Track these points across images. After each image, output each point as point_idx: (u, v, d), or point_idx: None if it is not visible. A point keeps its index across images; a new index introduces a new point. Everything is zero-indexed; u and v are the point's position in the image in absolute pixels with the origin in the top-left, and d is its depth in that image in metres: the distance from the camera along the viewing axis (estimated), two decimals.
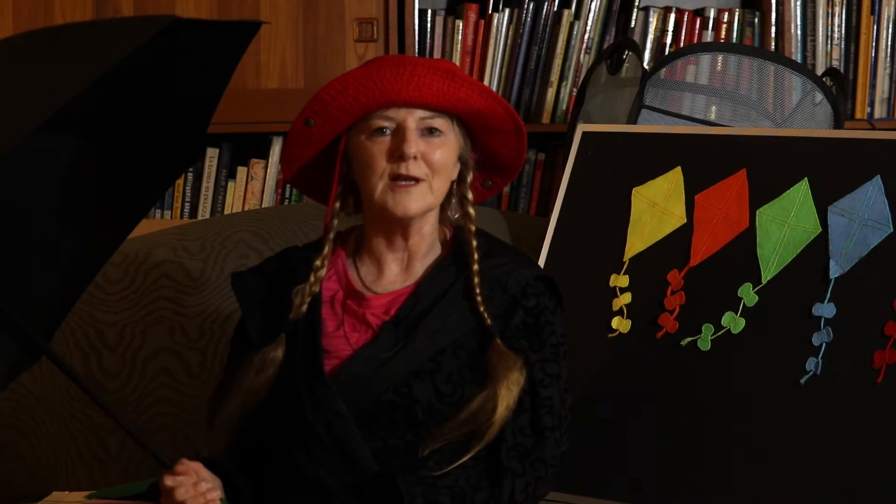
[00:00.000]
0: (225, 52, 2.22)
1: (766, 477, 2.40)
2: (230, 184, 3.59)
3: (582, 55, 3.55)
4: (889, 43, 3.59)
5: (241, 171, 3.59)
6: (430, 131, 2.27)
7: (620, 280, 2.65)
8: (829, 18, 3.58)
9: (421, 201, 2.25)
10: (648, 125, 2.95)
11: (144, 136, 2.33)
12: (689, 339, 2.55)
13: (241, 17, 3.43)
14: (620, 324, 2.62)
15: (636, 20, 3.57)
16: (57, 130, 2.26)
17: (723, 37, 3.57)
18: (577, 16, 3.55)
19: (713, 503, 2.44)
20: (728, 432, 2.46)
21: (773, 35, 3.59)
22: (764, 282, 2.52)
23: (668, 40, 3.57)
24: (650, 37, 3.57)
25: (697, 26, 3.58)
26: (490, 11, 3.56)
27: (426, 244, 2.32)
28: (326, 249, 2.31)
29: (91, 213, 2.35)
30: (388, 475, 2.17)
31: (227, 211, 3.59)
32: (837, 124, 3.02)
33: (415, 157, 2.23)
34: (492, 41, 3.55)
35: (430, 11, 3.55)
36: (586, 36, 3.55)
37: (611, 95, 3.16)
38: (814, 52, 3.58)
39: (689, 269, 2.60)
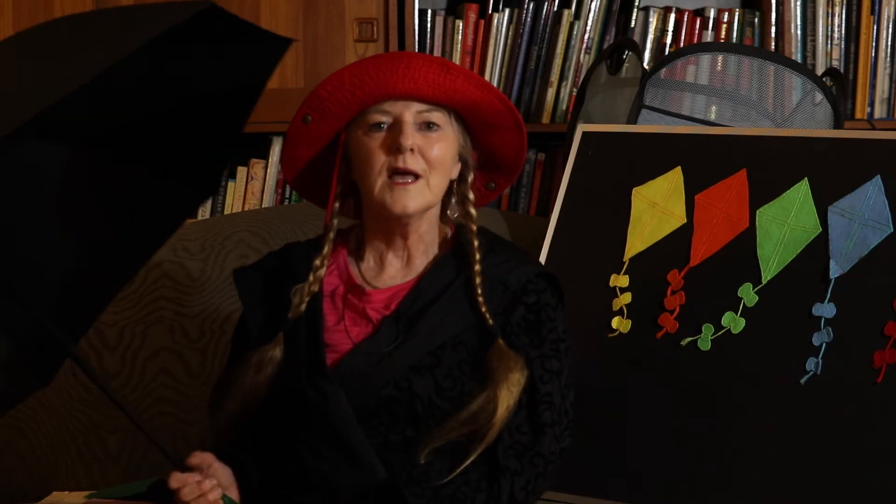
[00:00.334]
0: (253, 69, 2.23)
1: (766, 477, 2.40)
2: (230, 184, 3.59)
3: (582, 55, 3.55)
4: (889, 43, 3.59)
5: (241, 171, 3.59)
6: (428, 126, 2.27)
7: (620, 280, 2.65)
8: (829, 18, 3.58)
9: (419, 199, 2.25)
10: (648, 125, 2.95)
11: (171, 159, 2.34)
12: (689, 339, 2.55)
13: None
14: (620, 324, 2.62)
15: (636, 20, 3.57)
16: (89, 145, 2.28)
17: (723, 37, 3.57)
18: (577, 16, 3.55)
19: (713, 503, 2.44)
20: (728, 432, 2.46)
21: (773, 35, 3.59)
22: (764, 282, 2.52)
23: (668, 40, 3.57)
24: (650, 37, 3.57)
25: (697, 26, 3.58)
26: (490, 11, 3.56)
27: (425, 243, 2.32)
28: (326, 249, 2.31)
29: (113, 231, 2.37)
30: (392, 484, 2.17)
31: (227, 211, 3.59)
32: (837, 124, 3.02)
33: (412, 150, 2.23)
34: (492, 41, 3.55)
35: (430, 11, 3.55)
36: (586, 36, 3.55)
37: (611, 95, 3.16)
38: (814, 52, 3.58)
39: (689, 269, 2.60)
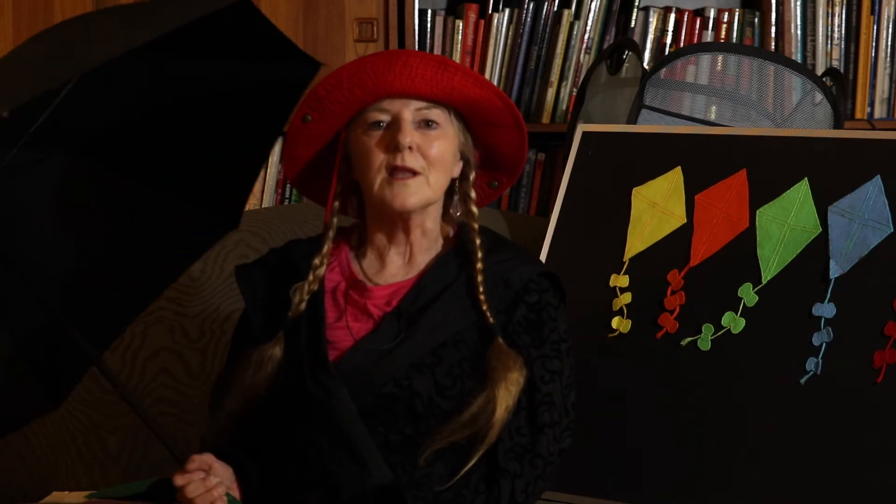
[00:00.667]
0: (281, 90, 2.25)
1: (766, 477, 2.40)
2: None
3: (582, 55, 3.55)
4: (889, 43, 3.59)
5: None
6: (427, 123, 2.27)
7: (620, 280, 2.65)
8: (829, 18, 3.58)
9: (419, 194, 2.25)
10: (648, 125, 2.95)
11: (199, 186, 2.38)
12: (689, 339, 2.55)
13: None
14: (620, 324, 2.62)
15: (636, 20, 3.57)
16: (122, 173, 2.32)
17: (723, 37, 3.57)
18: (577, 16, 3.55)
19: (713, 503, 2.44)
20: (728, 432, 2.46)
21: (773, 35, 3.59)
22: (764, 282, 2.52)
23: (668, 40, 3.57)
24: (650, 37, 3.57)
25: (697, 26, 3.58)
26: (490, 11, 3.55)
27: (427, 240, 2.32)
28: (326, 248, 2.31)
29: (137, 253, 2.40)
30: (394, 485, 2.17)
31: None
32: (837, 124, 3.02)
33: (410, 148, 2.23)
34: (492, 41, 3.55)
35: (430, 11, 3.55)
36: (586, 36, 3.55)
37: (611, 95, 3.16)
38: (814, 52, 3.58)
39: (689, 269, 2.60)
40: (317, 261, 2.30)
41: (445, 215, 2.35)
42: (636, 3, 3.56)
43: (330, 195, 2.33)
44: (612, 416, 2.55)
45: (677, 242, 2.63)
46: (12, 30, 3.38)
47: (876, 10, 3.58)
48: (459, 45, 3.55)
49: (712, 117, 3.09)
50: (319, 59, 2.33)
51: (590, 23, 3.55)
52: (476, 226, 2.31)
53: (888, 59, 3.59)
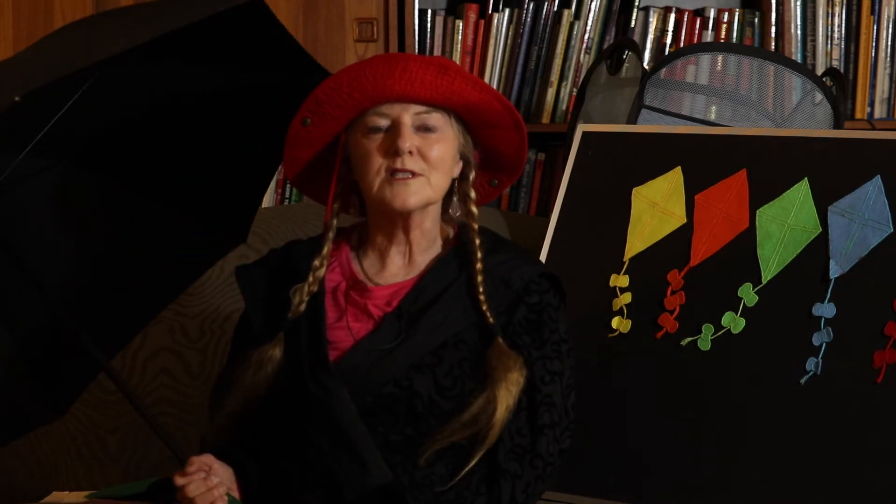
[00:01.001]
0: (289, 102, 2.26)
1: (767, 477, 2.40)
2: None
3: (582, 55, 3.55)
4: (889, 43, 3.59)
5: None
6: (427, 127, 2.26)
7: (620, 280, 2.65)
8: (829, 18, 3.58)
9: (419, 194, 2.25)
10: (648, 125, 2.95)
11: (207, 198, 2.41)
12: (689, 339, 2.55)
13: None
14: (620, 324, 2.62)
15: (636, 20, 3.57)
16: (129, 183, 2.33)
17: (723, 37, 3.57)
18: (577, 16, 3.55)
19: (713, 503, 2.44)
20: (728, 432, 2.46)
21: (773, 35, 3.59)
22: (764, 282, 2.52)
23: (668, 40, 3.57)
24: (650, 37, 3.57)
25: (697, 26, 3.58)
26: (490, 11, 3.55)
27: (427, 240, 2.32)
28: (326, 249, 2.31)
29: (142, 267, 2.42)
30: (395, 486, 2.17)
31: None
32: (837, 124, 3.02)
33: (410, 153, 2.23)
34: (492, 41, 3.55)
35: (430, 11, 3.55)
36: (586, 36, 3.55)
37: (611, 95, 3.16)
38: (814, 52, 3.58)
39: (689, 269, 2.60)
40: (316, 262, 2.30)
41: (444, 215, 2.36)
42: (636, 3, 3.56)
43: (329, 197, 2.33)
44: (613, 417, 2.55)
45: (677, 242, 2.63)
46: (12, 30, 3.39)
47: (876, 10, 3.58)
48: (459, 46, 3.55)
49: (712, 117, 3.09)
50: (319, 60, 2.34)
51: (590, 23, 3.55)
52: (476, 226, 2.31)
53: (888, 59, 3.59)
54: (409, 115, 2.25)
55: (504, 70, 3.56)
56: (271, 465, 2.25)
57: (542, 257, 2.72)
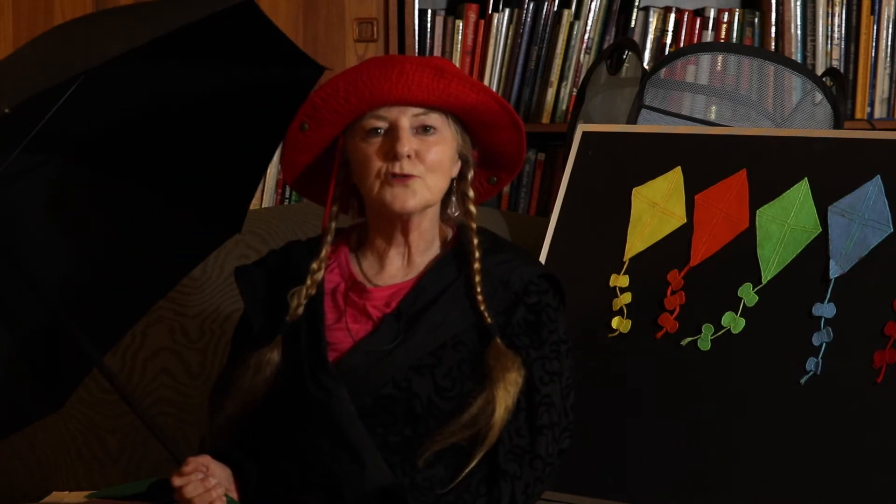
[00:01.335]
0: (284, 94, 2.26)
1: (766, 477, 2.40)
2: None
3: (582, 55, 3.55)
4: (889, 43, 3.59)
5: None
6: (425, 129, 2.26)
7: (620, 280, 2.65)
8: (829, 18, 3.58)
9: (418, 197, 2.25)
10: (648, 125, 2.95)
11: (201, 190, 2.42)
12: (689, 339, 2.55)
13: None
14: (620, 324, 2.62)
15: (636, 20, 3.57)
16: (123, 176, 2.33)
17: (723, 37, 3.57)
18: (577, 16, 3.55)
19: (713, 503, 2.44)
20: (728, 432, 2.46)
21: (773, 35, 3.59)
22: (764, 282, 2.52)
23: (668, 40, 3.57)
24: (650, 37, 3.57)
25: (697, 26, 3.58)
26: (490, 11, 3.55)
27: (426, 241, 2.32)
28: (324, 252, 2.31)
29: (137, 257, 2.42)
30: (396, 491, 2.17)
31: None
32: (837, 124, 3.02)
33: (409, 156, 2.23)
34: (492, 41, 3.55)
35: (430, 11, 3.55)
36: (586, 36, 3.55)
37: (611, 95, 3.16)
38: (814, 52, 3.58)
39: (689, 269, 2.60)
40: (315, 265, 2.30)
41: (443, 215, 2.35)
42: (636, 3, 3.56)
43: (328, 200, 2.32)
44: (612, 417, 2.55)
45: (677, 242, 2.63)
46: (12, 30, 3.39)
47: (876, 10, 3.58)
48: (459, 46, 3.55)
49: (712, 117, 3.09)
50: (319, 60, 2.34)
51: (590, 23, 3.55)
52: (474, 226, 2.31)
53: (888, 59, 3.59)
54: (406, 117, 2.25)
55: (504, 70, 3.56)
56: (271, 466, 2.25)
57: (542, 257, 2.72)
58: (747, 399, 2.46)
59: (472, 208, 2.32)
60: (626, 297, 2.63)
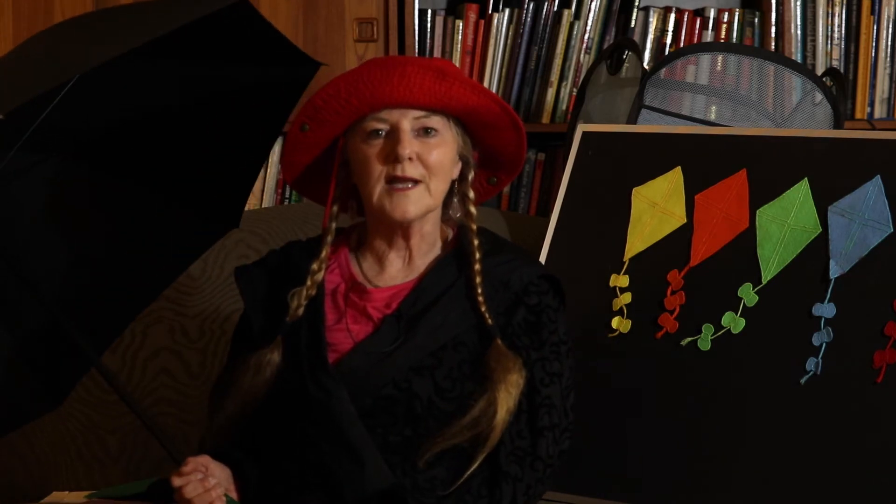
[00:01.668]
0: (281, 91, 2.26)
1: (766, 477, 2.40)
2: None
3: (582, 55, 3.55)
4: (889, 43, 3.59)
5: None
6: (426, 131, 2.26)
7: (620, 280, 2.65)
8: (829, 18, 3.58)
9: (419, 204, 2.25)
10: (648, 125, 2.94)
11: (198, 185, 2.42)
12: (689, 339, 2.55)
13: None
14: (620, 324, 2.62)
15: (636, 20, 3.57)
16: (121, 174, 2.34)
17: (723, 37, 3.57)
18: (577, 16, 3.55)
19: (713, 503, 2.44)
20: (728, 432, 2.46)
21: (773, 35, 3.59)
22: (764, 282, 2.52)
23: (668, 40, 3.57)
24: (650, 37, 3.57)
25: (697, 26, 3.58)
26: (490, 11, 3.55)
27: (427, 243, 2.32)
28: (324, 253, 2.31)
29: (134, 254, 2.43)
30: (396, 491, 2.17)
31: None
32: (837, 124, 3.02)
33: (410, 159, 2.23)
34: (492, 41, 3.55)
35: (430, 11, 3.55)
36: (586, 36, 3.55)
37: (611, 95, 3.16)
38: (814, 52, 3.58)
39: (689, 269, 2.60)
40: (315, 266, 2.29)
41: (444, 215, 2.35)
42: (636, 3, 3.56)
43: (328, 201, 2.32)
44: (612, 417, 2.55)
45: (677, 242, 2.63)
46: (12, 30, 3.39)
47: (876, 10, 3.58)
48: (459, 46, 3.55)
49: (712, 117, 3.09)
50: (319, 60, 2.34)
51: (590, 23, 3.55)
52: (474, 227, 2.31)
53: (888, 59, 3.59)
54: (408, 120, 2.25)
55: (504, 70, 3.56)
56: (271, 466, 2.25)
57: (542, 257, 2.72)
58: (747, 399, 2.46)
59: (473, 209, 2.32)
60: (626, 297, 2.63)
